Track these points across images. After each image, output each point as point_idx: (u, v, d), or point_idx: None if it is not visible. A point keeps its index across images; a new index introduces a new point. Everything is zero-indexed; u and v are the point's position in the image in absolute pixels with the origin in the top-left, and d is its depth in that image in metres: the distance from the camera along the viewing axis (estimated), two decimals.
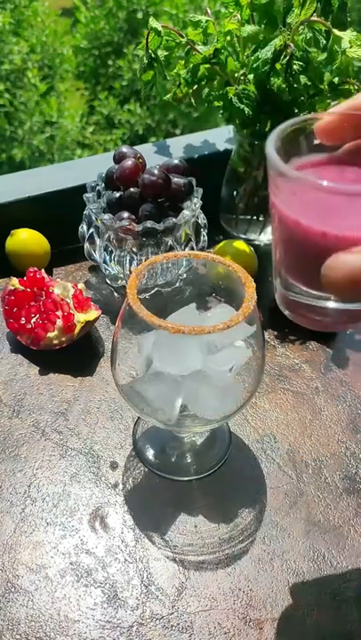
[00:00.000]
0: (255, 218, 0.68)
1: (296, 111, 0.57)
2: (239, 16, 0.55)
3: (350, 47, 0.51)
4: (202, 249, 0.61)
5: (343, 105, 0.26)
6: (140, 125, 2.41)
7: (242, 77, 0.56)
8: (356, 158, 0.27)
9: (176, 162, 0.60)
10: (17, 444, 0.48)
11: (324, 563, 0.40)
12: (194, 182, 0.60)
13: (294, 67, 0.52)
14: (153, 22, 0.56)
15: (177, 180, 0.57)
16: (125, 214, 0.56)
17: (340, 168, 0.27)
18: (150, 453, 0.47)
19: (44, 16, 2.48)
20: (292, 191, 0.24)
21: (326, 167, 0.27)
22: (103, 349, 0.57)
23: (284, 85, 0.54)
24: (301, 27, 0.52)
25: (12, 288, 0.56)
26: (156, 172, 0.56)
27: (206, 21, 0.57)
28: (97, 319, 0.56)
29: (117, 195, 0.58)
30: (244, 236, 0.70)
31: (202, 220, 0.60)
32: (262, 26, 0.55)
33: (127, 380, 0.40)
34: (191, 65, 0.58)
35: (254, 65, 0.54)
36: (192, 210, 0.57)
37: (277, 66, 0.53)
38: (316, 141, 0.28)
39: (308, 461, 0.47)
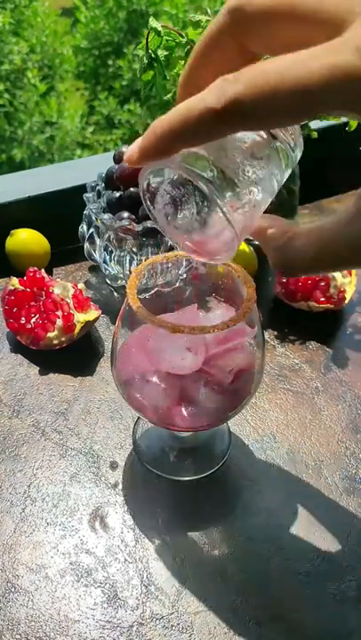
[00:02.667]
0: None
1: None
2: None
3: None
4: None
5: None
6: (140, 125, 2.42)
7: None
8: None
9: None
10: (17, 444, 0.48)
11: (324, 563, 0.40)
12: None
13: None
14: (153, 22, 0.56)
15: None
16: (125, 214, 0.56)
17: None
18: (150, 453, 0.47)
19: (43, 16, 2.49)
20: None
21: None
22: (103, 349, 0.57)
23: None
24: None
25: (12, 288, 0.56)
26: None
27: (206, 21, 0.57)
28: (97, 319, 0.56)
29: (117, 195, 0.58)
30: None
31: None
32: None
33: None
34: None
35: None
36: None
37: None
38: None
39: (308, 461, 0.47)
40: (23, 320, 0.54)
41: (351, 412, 0.51)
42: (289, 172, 0.29)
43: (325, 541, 0.41)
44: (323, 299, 0.58)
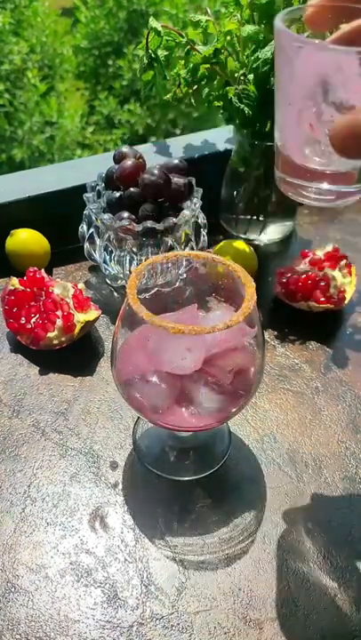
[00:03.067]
0: (255, 218, 0.68)
1: None
2: (239, 16, 0.55)
3: None
4: (202, 249, 0.61)
5: None
6: (140, 125, 2.41)
7: (242, 77, 0.56)
8: None
9: (176, 162, 0.60)
10: (17, 444, 0.48)
11: (325, 563, 0.40)
12: (194, 182, 0.60)
13: None
14: (153, 22, 0.56)
15: (177, 180, 0.57)
16: (125, 214, 0.56)
17: None
18: (150, 453, 0.47)
19: (43, 16, 2.48)
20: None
21: None
22: (103, 349, 0.57)
23: None
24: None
25: (12, 288, 0.56)
26: (156, 172, 0.56)
27: (206, 21, 0.57)
28: (97, 319, 0.56)
29: (117, 195, 0.58)
30: (244, 236, 0.70)
31: (202, 219, 0.60)
32: (262, 26, 0.55)
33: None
34: (191, 65, 0.58)
35: (254, 65, 0.54)
36: (192, 210, 0.57)
37: None
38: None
39: (308, 461, 0.47)
40: (23, 320, 0.54)
41: (351, 412, 0.51)
42: None
43: (325, 541, 0.41)
44: (323, 299, 0.58)
